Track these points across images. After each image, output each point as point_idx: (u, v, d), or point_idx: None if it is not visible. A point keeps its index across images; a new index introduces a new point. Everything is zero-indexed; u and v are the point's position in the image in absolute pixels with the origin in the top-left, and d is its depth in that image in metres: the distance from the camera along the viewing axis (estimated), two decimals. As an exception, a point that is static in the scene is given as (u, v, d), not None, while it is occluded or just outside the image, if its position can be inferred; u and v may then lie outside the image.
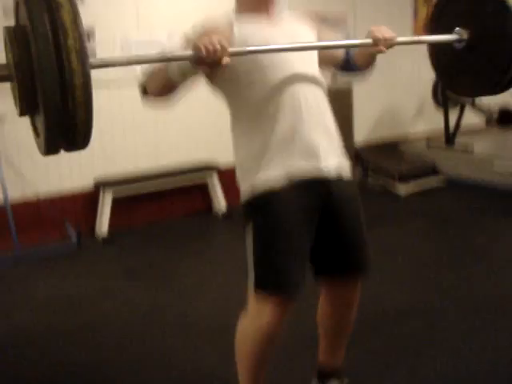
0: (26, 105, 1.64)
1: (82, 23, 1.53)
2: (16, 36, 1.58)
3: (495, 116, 7.07)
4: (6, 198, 4.62)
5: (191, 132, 5.63)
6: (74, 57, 1.50)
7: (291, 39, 2.06)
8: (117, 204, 5.16)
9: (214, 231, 5.26)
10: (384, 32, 2.11)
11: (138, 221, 5.39)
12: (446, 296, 3.54)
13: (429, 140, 7.04)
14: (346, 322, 2.30)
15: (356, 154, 6.60)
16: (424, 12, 7.30)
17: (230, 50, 1.81)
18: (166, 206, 5.55)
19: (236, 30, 2.04)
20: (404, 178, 6.22)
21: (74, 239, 4.82)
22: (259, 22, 2.09)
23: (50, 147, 1.68)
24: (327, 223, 2.10)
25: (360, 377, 2.57)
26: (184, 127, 5.59)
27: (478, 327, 3.09)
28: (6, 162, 4.71)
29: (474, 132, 7.38)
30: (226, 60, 1.80)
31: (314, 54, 2.17)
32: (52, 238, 4.90)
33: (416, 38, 2.48)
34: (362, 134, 6.81)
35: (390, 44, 2.14)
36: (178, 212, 5.60)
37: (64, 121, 1.56)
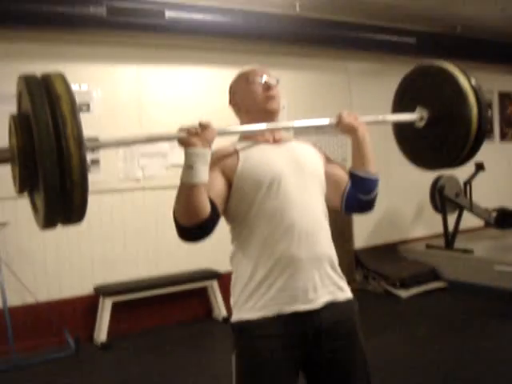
0: (26, 184, 1.81)
1: (78, 112, 1.71)
2: (20, 123, 1.74)
3: (493, 218, 7.15)
4: (4, 302, 4.60)
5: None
6: (71, 143, 1.66)
7: (293, 160, 2.13)
8: (116, 309, 5.12)
9: (214, 337, 5.18)
10: (348, 112, 2.31)
11: (137, 326, 5.33)
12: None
13: (428, 243, 7.08)
14: None
15: (356, 258, 6.64)
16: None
17: (213, 128, 1.97)
18: (166, 311, 5.50)
19: (241, 153, 2.12)
20: (405, 284, 6.24)
21: (72, 345, 4.75)
22: (263, 145, 2.17)
23: (48, 222, 1.81)
24: (317, 376, 2.08)
25: None
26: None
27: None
28: (6, 267, 4.73)
29: (473, 234, 7.44)
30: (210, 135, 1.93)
31: (319, 183, 2.20)
32: (50, 344, 4.83)
33: (380, 118, 2.61)
34: (361, 237, 6.87)
35: (354, 119, 2.31)
36: (177, 317, 5.54)
37: (62, 199, 1.71)
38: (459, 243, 6.74)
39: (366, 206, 2.33)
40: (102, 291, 5.14)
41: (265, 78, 2.21)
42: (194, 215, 1.91)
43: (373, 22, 6.24)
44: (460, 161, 2.61)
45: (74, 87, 5.01)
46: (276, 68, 6.12)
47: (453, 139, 2.52)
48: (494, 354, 4.33)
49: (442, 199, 6.80)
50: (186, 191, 1.90)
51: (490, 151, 8.14)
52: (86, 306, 5.18)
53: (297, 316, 2.02)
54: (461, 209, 6.89)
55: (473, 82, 2.49)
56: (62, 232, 5.00)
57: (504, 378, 3.82)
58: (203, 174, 1.92)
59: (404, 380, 3.96)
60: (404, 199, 7.36)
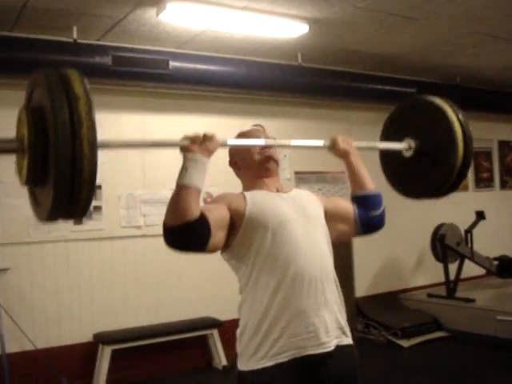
0: (33, 178, 1.83)
1: (94, 114, 1.74)
2: (33, 116, 1.78)
3: (495, 266, 7.13)
4: (3, 348, 4.57)
5: (192, 287, 5.65)
6: (85, 144, 1.71)
7: (298, 206, 2.20)
8: (115, 357, 5.07)
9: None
10: (342, 138, 2.47)
11: (136, 375, 5.25)
12: None
13: (430, 292, 7.04)
14: None
15: (357, 307, 6.60)
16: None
17: (215, 140, 2.08)
18: (166, 359, 5.44)
19: (248, 196, 2.17)
20: (406, 334, 6.19)
21: (69, 395, 4.70)
22: (268, 192, 2.24)
23: (51, 217, 1.85)
24: None
25: None
26: (184, 282, 5.63)
27: None
28: (5, 313, 4.71)
29: (474, 283, 7.40)
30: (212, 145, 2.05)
31: (323, 229, 2.24)
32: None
33: (371, 144, 2.79)
34: (362, 285, 6.85)
35: (347, 145, 2.47)
36: (177, 366, 5.47)
37: (69, 197, 1.75)
38: (461, 292, 6.71)
39: (379, 221, 2.41)
40: (102, 339, 5.10)
41: (263, 140, 2.27)
42: (180, 214, 1.94)
43: (374, 72, 6.34)
44: (444, 191, 2.69)
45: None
46: (278, 117, 6.26)
47: (439, 170, 2.61)
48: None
49: (443, 248, 6.79)
50: (177, 191, 1.98)
51: (490, 199, 8.20)
52: (85, 354, 5.13)
53: (310, 361, 2.04)
54: (462, 257, 6.88)
55: (461, 117, 2.62)
56: (62, 279, 5.03)
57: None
58: (196, 178, 1.99)
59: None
60: (405, 248, 7.36)
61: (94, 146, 1.72)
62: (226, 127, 5.89)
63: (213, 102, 5.87)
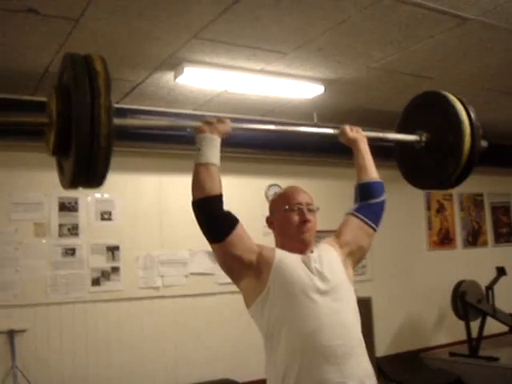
0: (59, 148, 2.05)
1: (111, 88, 1.98)
2: (61, 92, 2.02)
3: (517, 325, 7.00)
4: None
5: (210, 348, 5.55)
6: (103, 111, 1.93)
7: (318, 273, 2.20)
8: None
9: None
10: (351, 127, 2.61)
11: None
12: None
13: (452, 351, 6.90)
14: None
15: (378, 366, 6.46)
16: (438, 224, 7.57)
17: (229, 122, 2.30)
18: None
19: (277, 251, 2.23)
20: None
21: None
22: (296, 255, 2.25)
23: (73, 184, 2.09)
24: None
25: None
26: (203, 343, 5.54)
27: None
28: (21, 375, 4.68)
29: (497, 341, 7.23)
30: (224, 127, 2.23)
31: (348, 291, 2.28)
32: None
33: (381, 135, 2.91)
34: (383, 344, 6.72)
35: (356, 132, 2.60)
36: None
37: (88, 164, 1.96)
38: (484, 350, 6.56)
39: (380, 207, 2.53)
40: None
41: (304, 209, 2.29)
42: (201, 188, 2.20)
43: (387, 129, 6.38)
44: (449, 184, 2.88)
45: (97, 195, 5.18)
46: (294, 176, 6.29)
47: (445, 164, 2.78)
48: None
49: (464, 305, 6.69)
50: (195, 170, 2.22)
51: (510, 255, 8.09)
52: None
53: None
54: (484, 315, 6.76)
55: (471, 114, 2.81)
56: (80, 340, 5.01)
57: None
58: (209, 154, 2.22)
59: None
60: (425, 305, 7.25)
61: (110, 114, 1.94)
62: (243, 187, 5.95)
63: (229, 162, 5.83)
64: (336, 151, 6.10)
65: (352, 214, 2.48)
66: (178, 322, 5.38)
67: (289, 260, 2.19)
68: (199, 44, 3.84)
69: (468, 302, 6.68)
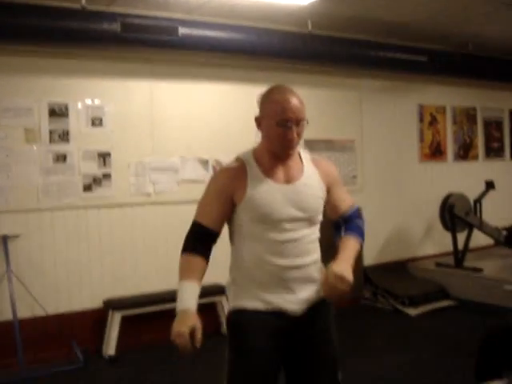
0: None
1: None
2: None
3: (504, 236, 7.12)
4: (14, 314, 4.64)
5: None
6: None
7: (296, 204, 2.27)
8: (125, 323, 5.13)
9: (223, 352, 5.17)
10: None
11: (145, 339, 5.31)
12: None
13: (438, 262, 7.06)
14: None
15: (365, 275, 6.63)
16: (429, 136, 7.56)
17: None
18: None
19: (248, 182, 2.26)
20: (414, 302, 6.23)
21: (80, 358, 4.77)
22: (272, 179, 2.29)
23: None
24: (294, 364, 2.34)
25: None
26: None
27: None
28: (16, 279, 4.77)
29: (482, 253, 7.41)
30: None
31: (317, 220, 2.37)
32: (59, 356, 4.86)
33: None
34: (371, 254, 6.86)
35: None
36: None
37: None
38: (469, 262, 6.73)
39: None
40: (112, 305, 5.16)
41: (293, 126, 2.25)
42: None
43: (385, 40, 6.27)
44: None
45: (88, 101, 5.12)
46: (287, 84, 6.19)
47: None
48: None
49: (452, 217, 6.79)
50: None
51: (500, 170, 8.16)
52: (95, 320, 5.19)
53: (285, 314, 2.28)
54: (471, 227, 6.88)
55: None
56: (72, 246, 5.07)
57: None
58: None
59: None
60: (414, 217, 7.37)
61: None
62: (234, 95, 5.89)
63: (221, 69, 5.83)
64: (332, 60, 6.07)
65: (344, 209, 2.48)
66: (170, 228, 5.44)
67: (261, 192, 2.25)
68: None
69: (456, 214, 6.77)
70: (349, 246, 2.36)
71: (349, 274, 2.18)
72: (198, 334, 2.23)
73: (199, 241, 2.36)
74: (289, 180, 2.30)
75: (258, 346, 2.27)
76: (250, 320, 2.30)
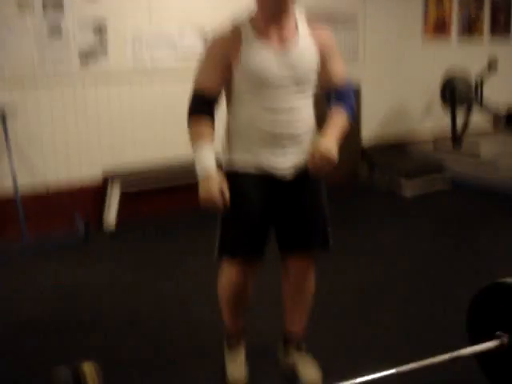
0: None
1: None
2: None
3: (503, 118, 7.07)
4: (16, 188, 4.68)
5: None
6: None
7: (290, 70, 2.31)
8: (125, 196, 5.19)
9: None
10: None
11: (146, 213, 5.40)
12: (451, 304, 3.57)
13: (436, 142, 7.05)
14: (301, 291, 2.67)
15: (363, 152, 6.60)
16: (434, 10, 7.30)
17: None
18: (175, 198, 5.48)
19: (243, 46, 2.27)
20: (410, 176, 6.20)
21: (82, 231, 4.87)
22: (267, 43, 2.29)
23: None
24: (285, 207, 2.49)
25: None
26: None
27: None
28: (16, 153, 4.77)
29: (480, 134, 7.38)
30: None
31: (311, 87, 2.43)
32: (60, 229, 4.94)
33: (455, 354, 2.34)
34: (369, 131, 6.84)
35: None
36: (186, 205, 5.53)
37: None
38: (467, 142, 6.75)
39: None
40: (111, 175, 5.20)
41: None
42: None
43: None
44: None
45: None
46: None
47: None
48: (491, 249, 4.48)
49: (452, 94, 6.69)
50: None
51: (505, 49, 7.94)
52: (95, 192, 5.23)
53: (273, 174, 2.42)
54: (470, 105, 6.79)
55: None
56: (70, 118, 5.01)
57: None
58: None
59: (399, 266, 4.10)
60: (413, 92, 7.28)
61: None
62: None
63: None
64: None
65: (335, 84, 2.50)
66: (168, 99, 5.41)
67: (255, 56, 2.27)
68: None
69: (456, 91, 6.67)
70: (337, 122, 2.41)
71: (334, 154, 2.28)
72: (226, 193, 2.30)
73: (202, 105, 2.35)
74: (283, 42, 2.31)
75: (250, 198, 2.43)
76: (242, 183, 2.42)
